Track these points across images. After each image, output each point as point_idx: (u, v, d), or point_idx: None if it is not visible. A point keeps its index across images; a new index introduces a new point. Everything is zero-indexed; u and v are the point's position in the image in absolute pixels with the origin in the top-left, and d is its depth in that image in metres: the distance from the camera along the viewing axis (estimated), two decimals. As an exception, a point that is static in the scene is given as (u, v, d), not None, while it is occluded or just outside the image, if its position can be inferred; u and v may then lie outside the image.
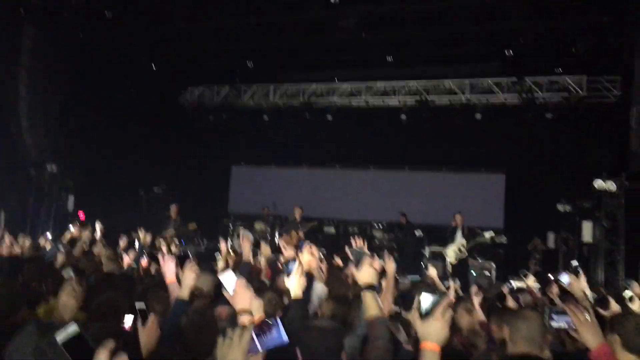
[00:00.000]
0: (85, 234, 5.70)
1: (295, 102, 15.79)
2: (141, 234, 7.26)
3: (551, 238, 13.52)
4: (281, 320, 1.85)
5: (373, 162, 16.82)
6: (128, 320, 3.16)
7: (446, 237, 11.77)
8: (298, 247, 5.75)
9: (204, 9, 12.34)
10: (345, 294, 4.34)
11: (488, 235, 11.27)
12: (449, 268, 11.38)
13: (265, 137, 16.30)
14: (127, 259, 6.83)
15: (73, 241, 6.69)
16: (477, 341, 4.15)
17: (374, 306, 2.64)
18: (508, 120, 13.82)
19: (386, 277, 4.13)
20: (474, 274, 11.77)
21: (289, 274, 3.54)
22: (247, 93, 16.27)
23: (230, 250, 7.20)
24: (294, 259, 4.32)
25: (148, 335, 2.82)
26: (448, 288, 6.39)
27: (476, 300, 5.25)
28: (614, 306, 4.57)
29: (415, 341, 3.43)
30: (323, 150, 16.25)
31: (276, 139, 16.12)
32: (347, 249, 3.32)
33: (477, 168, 15.66)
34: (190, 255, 3.71)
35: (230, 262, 6.62)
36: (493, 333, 4.26)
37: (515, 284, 7.79)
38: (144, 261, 6.83)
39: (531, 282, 7.35)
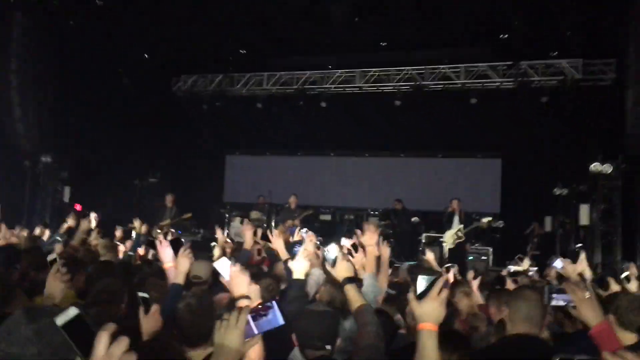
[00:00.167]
0: (84, 224, 5.68)
1: (289, 90, 15.72)
2: (137, 223, 7.25)
3: (548, 222, 13.57)
4: (279, 301, 1.84)
5: (368, 149, 16.81)
6: None
7: (443, 223, 11.78)
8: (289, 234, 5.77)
9: (196, -3, 12.27)
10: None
11: (485, 220, 11.31)
12: (446, 253, 11.41)
13: (259, 126, 16.25)
14: (122, 248, 6.81)
15: (70, 231, 6.67)
16: (477, 324, 4.16)
17: (356, 297, 2.72)
18: (503, 104, 13.79)
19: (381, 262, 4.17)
20: (471, 259, 11.80)
21: (294, 257, 3.59)
22: (240, 81, 16.18)
23: (227, 239, 7.20)
24: (299, 243, 4.35)
25: (150, 324, 2.83)
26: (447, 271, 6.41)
27: (474, 283, 5.27)
28: (614, 287, 4.57)
29: (410, 327, 3.45)
30: (318, 138, 16.21)
31: (270, 127, 16.08)
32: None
33: (472, 153, 15.67)
34: (183, 241, 3.70)
35: (228, 250, 6.62)
36: (492, 315, 4.27)
37: (513, 267, 7.84)
38: (141, 250, 6.82)
39: (526, 265, 7.40)
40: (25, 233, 7.32)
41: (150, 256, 5.82)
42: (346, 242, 5.20)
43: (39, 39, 12.82)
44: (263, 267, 5.53)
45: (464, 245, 11.37)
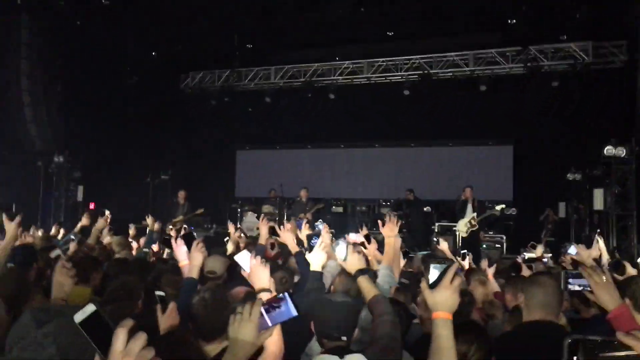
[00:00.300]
0: (100, 222, 5.72)
1: (297, 83, 15.69)
2: (149, 220, 7.28)
3: (562, 208, 13.48)
4: (293, 293, 1.83)
5: (378, 140, 16.77)
6: None
7: (456, 212, 11.73)
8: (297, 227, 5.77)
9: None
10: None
11: (499, 207, 11.24)
12: (459, 242, 11.37)
13: (268, 120, 16.26)
14: (136, 245, 6.85)
15: (85, 230, 6.71)
16: (494, 312, 4.14)
17: (369, 288, 2.76)
18: (514, 90, 13.69)
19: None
20: (485, 247, 11.75)
21: (312, 248, 3.60)
22: (248, 76, 16.17)
23: (240, 234, 7.21)
24: (316, 236, 4.37)
25: (168, 323, 2.84)
26: (463, 258, 6.40)
27: (490, 271, 5.25)
28: (630, 270, 4.53)
29: (422, 318, 3.43)
30: (327, 130, 16.19)
31: (279, 120, 16.08)
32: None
33: (484, 141, 15.57)
34: (195, 236, 3.71)
35: (242, 245, 6.63)
36: (507, 302, 4.25)
37: (527, 255, 7.79)
38: (155, 246, 6.86)
39: (539, 252, 7.35)
40: (40, 233, 7.38)
41: (165, 255, 5.85)
42: (354, 237, 5.21)
43: (46, 40, 12.89)
44: (278, 262, 5.55)
45: (477, 234, 11.31)
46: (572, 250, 5.41)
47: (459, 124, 14.71)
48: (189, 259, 3.55)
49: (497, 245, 12.05)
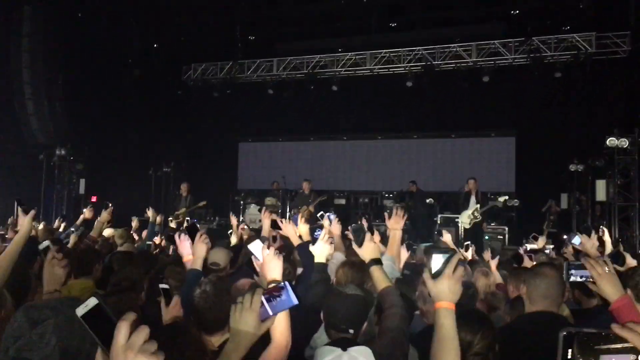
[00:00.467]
0: (104, 216, 5.73)
1: (300, 75, 15.65)
2: (150, 213, 7.29)
3: (564, 199, 13.47)
4: (299, 284, 1.84)
5: (381, 132, 16.74)
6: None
7: (460, 203, 11.71)
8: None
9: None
10: (359, 260, 4.37)
11: (502, 199, 11.22)
12: (462, 234, 11.36)
13: (271, 112, 16.23)
14: (136, 237, 6.86)
15: (87, 223, 6.72)
16: (496, 304, 4.14)
17: (382, 279, 2.71)
18: (516, 81, 13.64)
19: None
20: (487, 239, 11.75)
21: (315, 241, 3.58)
22: (250, 68, 16.14)
23: (244, 226, 7.22)
24: (320, 227, 4.36)
25: (171, 315, 2.85)
26: (466, 250, 6.40)
27: (493, 263, 5.24)
28: (630, 261, 4.53)
29: (422, 310, 3.44)
30: (330, 122, 16.18)
31: (282, 112, 16.05)
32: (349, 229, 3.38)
33: (486, 132, 15.56)
34: (199, 227, 3.70)
35: (245, 237, 6.64)
36: (510, 293, 4.25)
37: (529, 246, 7.78)
38: (157, 239, 6.87)
39: (541, 244, 7.34)
40: (41, 225, 7.39)
41: (170, 251, 5.87)
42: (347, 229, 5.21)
43: (48, 33, 12.87)
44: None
45: (480, 225, 11.30)
46: (576, 240, 5.39)
47: (461, 116, 14.70)
48: (193, 253, 3.55)
49: (499, 237, 12.06)
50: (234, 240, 6.64)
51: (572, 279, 2.64)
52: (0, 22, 12.32)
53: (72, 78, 13.32)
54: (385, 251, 4.10)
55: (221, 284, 2.74)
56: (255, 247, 2.96)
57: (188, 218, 9.38)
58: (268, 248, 2.49)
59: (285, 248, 5.73)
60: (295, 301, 1.78)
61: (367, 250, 2.81)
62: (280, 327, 2.05)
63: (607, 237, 5.71)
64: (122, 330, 1.16)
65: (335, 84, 15.10)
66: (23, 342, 1.43)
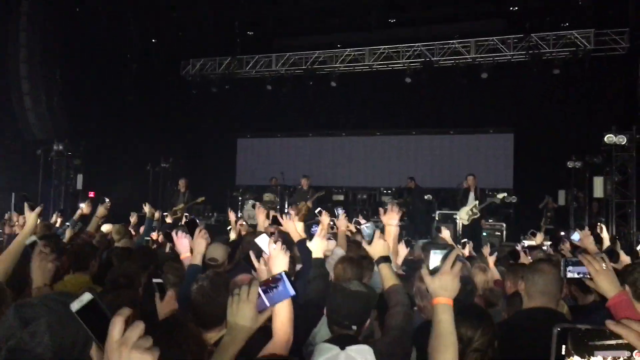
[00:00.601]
0: (101, 210, 5.71)
1: (298, 71, 15.62)
2: (147, 208, 7.28)
3: (562, 195, 13.48)
4: (299, 280, 1.83)
5: (379, 128, 16.73)
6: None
7: (458, 200, 11.71)
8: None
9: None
10: (358, 255, 4.37)
11: (500, 196, 11.23)
12: (460, 230, 11.37)
13: (269, 107, 16.21)
14: (134, 233, 6.85)
15: (84, 218, 6.71)
16: (494, 300, 4.15)
17: (390, 276, 2.71)
18: (515, 78, 13.64)
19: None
20: (485, 235, 11.76)
21: (312, 237, 3.58)
22: (249, 64, 16.10)
23: (242, 222, 7.22)
24: (317, 223, 4.37)
25: (166, 310, 2.84)
26: (463, 247, 6.41)
27: (491, 259, 5.25)
28: (624, 258, 4.55)
29: (419, 307, 3.44)
30: (328, 118, 16.16)
31: (280, 108, 16.04)
32: (358, 224, 3.37)
33: (484, 129, 15.56)
34: (198, 223, 3.70)
35: (243, 233, 6.64)
36: (507, 290, 4.26)
37: (527, 242, 7.80)
38: (154, 234, 6.86)
39: (539, 240, 7.36)
40: (39, 221, 7.35)
41: (167, 249, 5.87)
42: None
43: (46, 28, 12.82)
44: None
45: (478, 222, 11.31)
46: (576, 236, 5.40)
47: (460, 112, 14.70)
48: (190, 250, 3.55)
49: (497, 233, 12.06)
50: (233, 236, 6.64)
51: (569, 275, 2.64)
52: (-2, 17, 12.28)
53: (70, 73, 13.28)
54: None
55: (218, 279, 2.74)
56: (262, 241, 2.99)
57: (186, 214, 9.38)
58: (274, 243, 2.49)
59: (284, 244, 5.73)
60: (292, 292, 1.78)
61: (377, 247, 2.80)
62: (283, 323, 2.06)
63: (604, 234, 5.73)
64: (116, 325, 1.15)
65: (334, 80, 15.09)
66: (14, 342, 1.42)
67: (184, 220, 8.33)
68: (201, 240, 3.36)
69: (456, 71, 14.29)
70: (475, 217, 11.14)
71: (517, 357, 2.61)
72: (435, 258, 1.96)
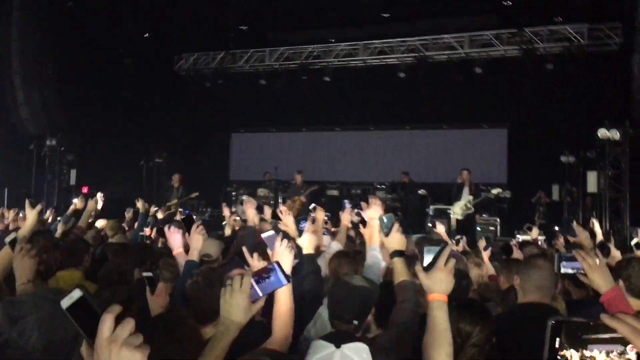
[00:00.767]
0: (91, 205, 5.68)
1: (292, 65, 15.58)
2: (140, 204, 7.25)
3: (555, 190, 13.52)
4: (294, 276, 1.83)
5: (373, 123, 16.74)
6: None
7: (453, 195, 11.71)
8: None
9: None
10: (352, 250, 4.39)
11: (495, 191, 11.23)
12: (454, 225, 11.37)
13: (263, 102, 16.18)
14: (128, 229, 6.83)
15: (77, 214, 6.68)
16: (489, 295, 4.16)
17: (403, 272, 2.68)
18: (508, 73, 13.64)
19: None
20: (479, 230, 11.78)
21: (301, 232, 3.58)
22: (243, 58, 16.05)
23: (236, 217, 7.21)
24: (304, 219, 4.36)
25: (157, 303, 2.84)
26: (457, 244, 6.41)
27: (485, 254, 5.26)
28: (615, 253, 4.58)
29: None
30: (322, 113, 16.14)
31: (274, 103, 16.01)
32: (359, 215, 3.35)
33: (478, 124, 15.59)
34: (195, 218, 3.69)
35: (237, 228, 6.63)
36: (502, 285, 4.27)
37: (521, 237, 7.82)
38: (147, 230, 6.83)
39: (535, 234, 7.38)
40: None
41: (160, 244, 5.86)
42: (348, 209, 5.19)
43: (38, 22, 12.73)
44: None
45: (473, 217, 11.32)
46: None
47: (454, 107, 14.70)
48: (183, 245, 3.54)
49: (491, 228, 12.09)
50: (228, 231, 6.62)
51: (563, 270, 2.65)
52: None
53: (63, 68, 13.21)
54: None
55: (213, 274, 2.73)
56: (269, 238, 3.01)
57: (181, 209, 9.35)
58: (257, 238, 2.50)
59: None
60: (284, 282, 1.80)
61: (394, 240, 2.75)
62: (283, 320, 2.06)
63: (597, 229, 5.75)
64: (106, 322, 1.14)
65: (328, 74, 15.07)
66: (3, 339, 1.41)
67: (178, 215, 8.32)
68: (198, 236, 3.35)
69: (450, 66, 14.29)
70: (470, 212, 11.14)
71: (512, 352, 2.61)
72: (429, 255, 1.97)
